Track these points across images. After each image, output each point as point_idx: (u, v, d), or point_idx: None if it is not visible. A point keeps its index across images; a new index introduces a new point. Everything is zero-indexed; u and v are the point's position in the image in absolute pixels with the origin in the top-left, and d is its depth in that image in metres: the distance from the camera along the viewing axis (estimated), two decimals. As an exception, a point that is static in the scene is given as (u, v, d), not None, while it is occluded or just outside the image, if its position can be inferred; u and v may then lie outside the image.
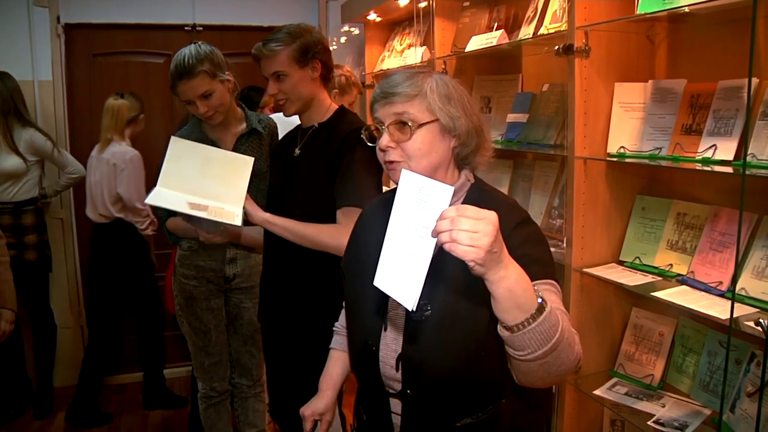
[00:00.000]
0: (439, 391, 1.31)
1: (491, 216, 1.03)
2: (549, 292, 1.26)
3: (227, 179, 2.09)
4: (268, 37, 2.10)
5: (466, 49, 2.87)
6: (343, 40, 4.31)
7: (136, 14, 4.14)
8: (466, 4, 3.14)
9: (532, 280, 1.15)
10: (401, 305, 1.13)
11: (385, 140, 1.34)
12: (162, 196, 2.05)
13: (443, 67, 3.09)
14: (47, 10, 3.94)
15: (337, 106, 2.24)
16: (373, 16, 3.86)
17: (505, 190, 2.80)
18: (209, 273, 2.52)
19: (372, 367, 1.39)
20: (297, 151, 2.20)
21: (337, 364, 1.65)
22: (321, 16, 4.38)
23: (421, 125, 1.32)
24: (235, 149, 2.43)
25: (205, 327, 2.56)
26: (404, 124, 1.32)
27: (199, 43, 2.34)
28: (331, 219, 2.04)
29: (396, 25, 4.02)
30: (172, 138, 2.10)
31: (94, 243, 3.75)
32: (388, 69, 3.83)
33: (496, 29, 2.82)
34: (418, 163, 1.34)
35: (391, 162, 1.35)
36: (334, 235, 1.95)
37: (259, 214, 2.07)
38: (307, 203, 2.10)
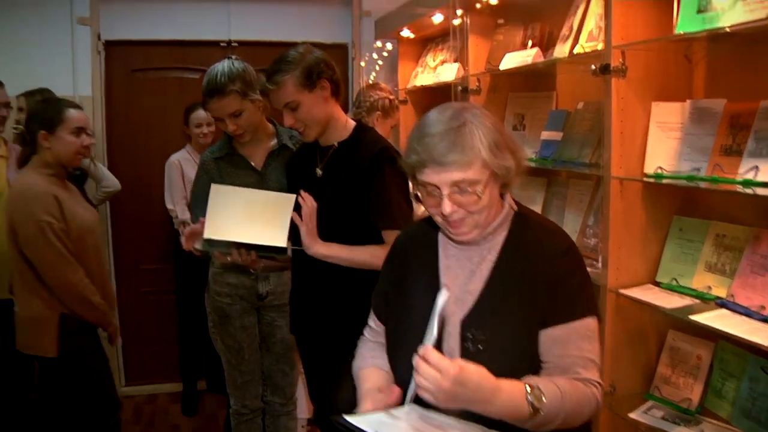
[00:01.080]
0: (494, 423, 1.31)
1: (449, 372, 1.09)
2: (582, 339, 1.28)
3: (271, 217, 2.09)
4: (270, 70, 2.06)
5: (501, 67, 2.86)
6: (375, 56, 4.33)
7: (173, 31, 4.20)
8: (501, 21, 3.14)
9: (574, 319, 1.25)
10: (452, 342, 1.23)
11: (448, 207, 1.30)
12: (217, 231, 2.09)
13: (477, 83, 3.08)
14: (89, 27, 4.04)
15: (353, 122, 2.23)
16: (406, 33, 3.87)
17: (538, 208, 2.77)
18: (242, 290, 2.54)
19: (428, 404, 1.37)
20: (319, 172, 2.20)
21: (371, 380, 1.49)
22: (354, 32, 4.40)
23: (485, 187, 1.31)
24: (266, 165, 2.46)
25: (238, 345, 2.57)
26: (465, 190, 1.30)
27: (233, 58, 2.36)
28: (357, 241, 2.06)
29: (429, 41, 4.03)
30: (213, 186, 2.11)
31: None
32: (421, 85, 3.84)
33: (531, 47, 2.81)
34: (483, 215, 1.34)
35: (456, 222, 1.34)
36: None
37: (317, 249, 2.05)
38: (333, 226, 2.11)
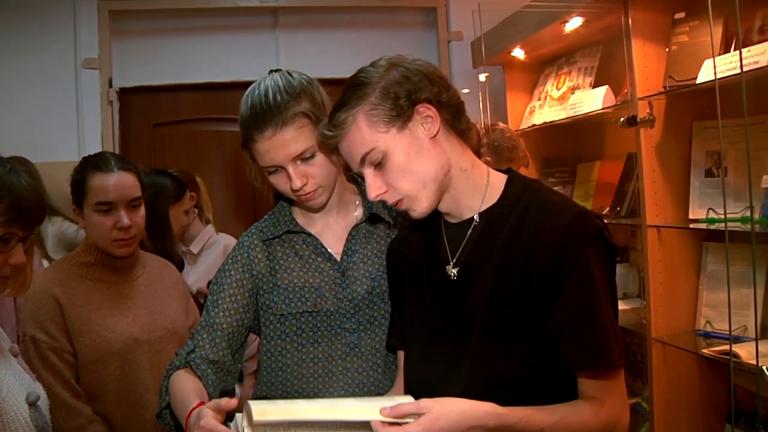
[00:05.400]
0: None
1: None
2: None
3: None
4: (333, 107, 1.25)
5: (700, 80, 1.94)
6: (465, 91, 3.29)
7: (205, 73, 3.49)
8: (680, 15, 2.12)
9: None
10: None
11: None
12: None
13: (648, 111, 2.16)
14: (98, 72, 3.33)
15: (500, 174, 1.28)
16: (518, 52, 2.83)
17: (760, 292, 1.95)
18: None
19: None
20: (452, 272, 1.24)
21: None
22: (442, 61, 3.50)
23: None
24: (347, 251, 1.41)
25: None
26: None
27: (286, 70, 1.39)
28: (530, 387, 1.21)
29: (545, 64, 3.00)
30: (250, 405, 1.11)
31: None
32: (543, 123, 2.78)
33: (736, 47, 1.88)
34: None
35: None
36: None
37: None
38: (489, 362, 1.22)
